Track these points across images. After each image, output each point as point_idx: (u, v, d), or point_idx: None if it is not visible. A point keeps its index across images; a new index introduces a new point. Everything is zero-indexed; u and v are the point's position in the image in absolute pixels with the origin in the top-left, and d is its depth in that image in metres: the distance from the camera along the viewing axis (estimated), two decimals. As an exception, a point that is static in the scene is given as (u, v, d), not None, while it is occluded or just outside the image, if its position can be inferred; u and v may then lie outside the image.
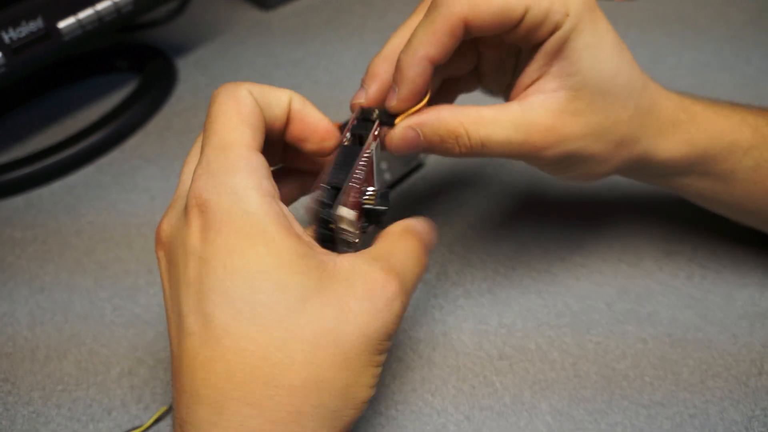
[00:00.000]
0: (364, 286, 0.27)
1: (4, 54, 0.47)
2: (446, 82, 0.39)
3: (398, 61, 0.31)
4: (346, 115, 0.35)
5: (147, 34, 0.67)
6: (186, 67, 0.63)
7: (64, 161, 0.52)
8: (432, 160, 0.51)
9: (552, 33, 0.31)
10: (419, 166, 0.50)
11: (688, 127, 0.35)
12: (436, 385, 0.37)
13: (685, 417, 0.35)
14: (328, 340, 0.26)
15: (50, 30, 0.49)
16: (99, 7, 0.51)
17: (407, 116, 0.32)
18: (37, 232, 0.48)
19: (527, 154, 0.32)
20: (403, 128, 0.32)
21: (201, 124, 0.29)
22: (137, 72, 0.61)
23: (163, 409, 0.36)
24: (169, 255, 0.28)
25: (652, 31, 0.63)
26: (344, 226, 0.29)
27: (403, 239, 0.30)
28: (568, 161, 0.33)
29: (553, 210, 0.46)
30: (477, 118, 0.32)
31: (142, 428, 0.36)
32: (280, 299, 0.25)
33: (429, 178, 0.49)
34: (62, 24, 0.50)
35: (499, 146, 0.32)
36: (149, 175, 0.52)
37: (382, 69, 0.33)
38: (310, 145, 0.31)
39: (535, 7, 0.30)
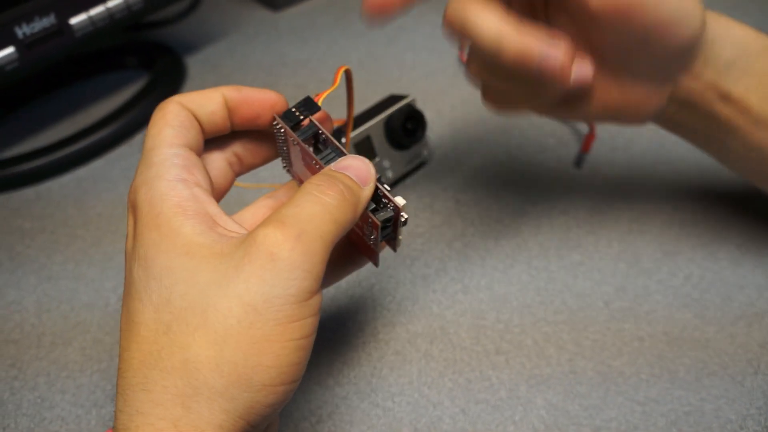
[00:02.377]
0: (243, 251, 0.25)
1: (18, 49, 0.48)
2: None
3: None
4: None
5: (158, 32, 0.68)
6: (195, 64, 0.64)
7: (74, 155, 0.53)
8: (434, 159, 0.51)
9: None
10: (422, 164, 0.50)
11: (725, 21, 0.35)
12: (432, 378, 0.38)
13: (680, 414, 0.35)
14: (207, 317, 0.24)
15: (62, 26, 0.50)
16: (110, 4, 0.52)
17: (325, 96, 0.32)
18: (46, 223, 0.49)
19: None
20: None
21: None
22: (147, 69, 0.62)
23: (165, 396, 0.37)
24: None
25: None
26: None
27: (301, 194, 0.27)
28: (621, 29, 0.31)
29: (552, 209, 0.47)
30: None
31: (143, 415, 0.36)
32: (167, 283, 0.25)
33: (430, 176, 0.50)
34: (74, 20, 0.51)
35: None
36: (157, 169, 0.53)
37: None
38: (264, 119, 0.31)
39: None
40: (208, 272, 0.25)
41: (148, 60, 0.63)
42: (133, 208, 0.27)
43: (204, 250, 0.25)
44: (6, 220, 0.50)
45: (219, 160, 0.32)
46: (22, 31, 0.48)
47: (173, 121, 0.29)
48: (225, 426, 0.24)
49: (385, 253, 0.44)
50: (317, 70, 0.62)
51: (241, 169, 0.33)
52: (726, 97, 0.35)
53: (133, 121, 0.56)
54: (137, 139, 0.56)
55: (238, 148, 0.32)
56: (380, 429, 0.35)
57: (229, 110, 0.30)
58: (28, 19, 0.48)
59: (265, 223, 0.25)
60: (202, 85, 0.61)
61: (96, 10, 0.51)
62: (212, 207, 0.28)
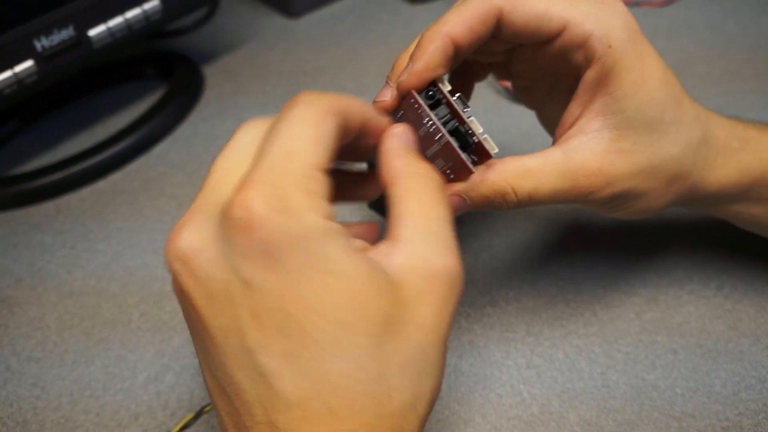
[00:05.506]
0: (427, 284, 0.25)
1: (36, 62, 0.48)
2: (475, 64, 0.38)
3: (420, 37, 0.30)
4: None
5: (175, 41, 0.68)
6: (213, 74, 0.63)
7: (92, 168, 0.53)
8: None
9: (590, 62, 0.30)
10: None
11: (741, 156, 0.34)
12: (462, 393, 0.37)
13: (717, 430, 0.34)
14: (417, 358, 0.25)
15: (81, 38, 0.50)
16: (128, 15, 0.52)
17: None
18: (66, 238, 0.49)
19: (577, 199, 0.32)
20: (448, 196, 0.31)
21: (228, 131, 0.29)
22: (165, 79, 0.62)
23: (190, 416, 0.36)
24: (203, 274, 0.24)
25: (681, 38, 0.62)
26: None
27: (423, 190, 0.27)
28: (620, 201, 0.32)
29: (578, 218, 0.46)
30: (521, 172, 0.31)
31: (168, 434, 0.36)
32: (365, 331, 0.24)
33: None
34: (92, 32, 0.50)
35: (547, 197, 0.31)
36: (176, 181, 0.52)
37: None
38: (369, 154, 0.30)
39: (575, 27, 0.30)
40: (402, 311, 0.25)
41: (167, 70, 0.62)
42: (251, 221, 0.23)
43: (384, 287, 0.25)
44: (26, 235, 0.49)
45: None
46: (41, 43, 0.48)
47: (326, 138, 0.25)
48: None
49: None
50: (337, 78, 0.61)
51: None
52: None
53: (151, 132, 0.56)
54: (156, 150, 0.56)
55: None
56: (410, 447, 0.35)
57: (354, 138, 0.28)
58: (47, 32, 0.48)
59: (435, 249, 0.26)
60: (221, 95, 0.61)
61: (114, 21, 0.51)
62: (351, 238, 0.26)
